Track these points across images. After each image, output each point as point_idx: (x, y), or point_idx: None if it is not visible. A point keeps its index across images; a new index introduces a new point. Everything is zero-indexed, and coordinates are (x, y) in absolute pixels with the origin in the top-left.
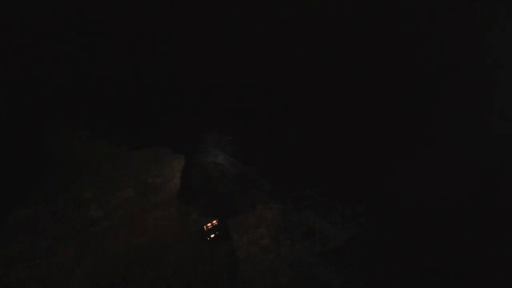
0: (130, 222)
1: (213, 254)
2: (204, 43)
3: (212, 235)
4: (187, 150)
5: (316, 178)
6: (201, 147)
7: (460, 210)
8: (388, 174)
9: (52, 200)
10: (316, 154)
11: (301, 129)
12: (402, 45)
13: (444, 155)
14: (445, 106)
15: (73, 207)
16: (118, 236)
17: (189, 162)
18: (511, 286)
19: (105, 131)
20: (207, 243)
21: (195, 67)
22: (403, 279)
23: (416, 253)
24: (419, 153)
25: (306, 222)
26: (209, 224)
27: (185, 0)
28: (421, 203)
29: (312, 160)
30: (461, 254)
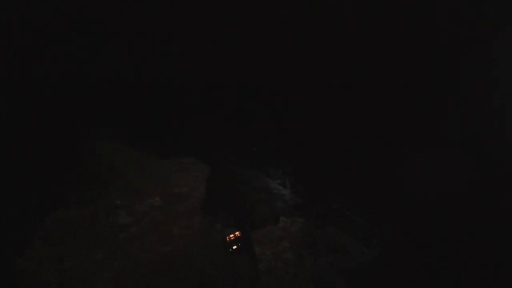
0: (156, 230)
1: (236, 266)
2: (232, 47)
3: (235, 247)
4: (212, 161)
5: (341, 192)
6: (226, 158)
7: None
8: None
9: (85, 205)
10: (342, 167)
11: (328, 141)
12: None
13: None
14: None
15: (104, 213)
16: (144, 243)
17: (214, 172)
18: None
19: (136, 141)
20: (229, 254)
21: (223, 79)
22: None
23: (443, 278)
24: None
25: (330, 237)
26: (231, 235)
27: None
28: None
29: (337, 173)
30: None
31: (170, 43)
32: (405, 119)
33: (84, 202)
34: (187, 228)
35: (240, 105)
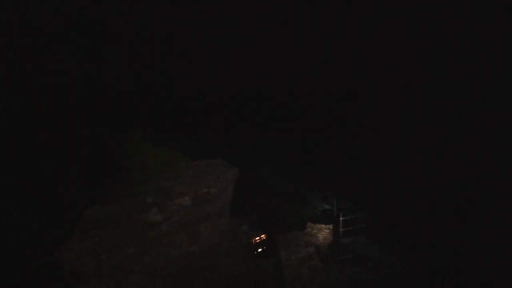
0: (185, 229)
1: (260, 269)
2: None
3: (260, 250)
4: (240, 163)
5: (372, 201)
6: (254, 161)
7: None
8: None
9: (119, 202)
10: (374, 175)
11: (357, 147)
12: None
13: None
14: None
15: (136, 210)
16: (173, 241)
17: (242, 174)
18: None
19: (167, 141)
20: (255, 257)
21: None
22: None
23: None
24: None
25: (358, 246)
26: (257, 238)
27: None
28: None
29: (367, 181)
30: None
31: (207, 49)
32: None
33: (119, 199)
34: (215, 228)
35: (276, 114)
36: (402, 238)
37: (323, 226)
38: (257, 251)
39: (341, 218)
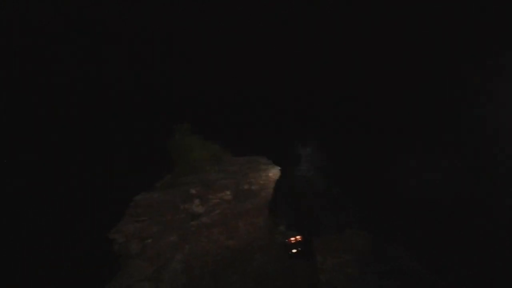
0: (224, 222)
1: (295, 270)
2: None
3: (294, 250)
4: (283, 163)
5: (412, 211)
6: (296, 161)
7: None
8: None
9: (166, 192)
10: (419, 179)
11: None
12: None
13: None
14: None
15: (180, 200)
16: (212, 233)
17: (283, 174)
18: None
19: (215, 135)
20: (289, 257)
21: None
22: None
23: None
24: None
25: (397, 258)
26: (292, 238)
27: None
28: None
29: (412, 185)
30: None
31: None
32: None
33: (165, 189)
34: (253, 225)
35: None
36: (446, 253)
37: (364, 233)
38: (291, 251)
39: (381, 226)
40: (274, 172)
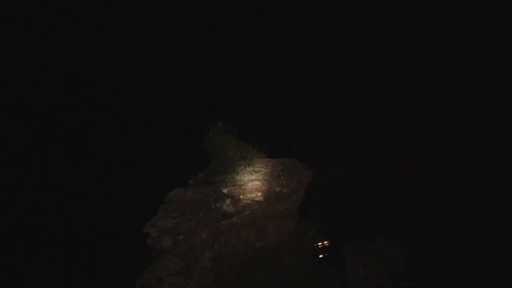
0: (254, 223)
1: (322, 276)
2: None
3: (321, 256)
4: (316, 166)
5: (456, 224)
6: (329, 165)
7: None
8: None
9: (198, 189)
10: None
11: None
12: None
13: None
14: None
15: (212, 199)
16: (241, 233)
17: (317, 178)
18: None
19: (247, 136)
20: (317, 263)
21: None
22: None
23: None
24: None
25: (436, 275)
26: (320, 243)
27: None
28: None
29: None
30: None
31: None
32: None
33: (198, 186)
34: (282, 228)
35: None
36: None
37: (397, 243)
38: (319, 256)
39: (417, 237)
40: (307, 175)
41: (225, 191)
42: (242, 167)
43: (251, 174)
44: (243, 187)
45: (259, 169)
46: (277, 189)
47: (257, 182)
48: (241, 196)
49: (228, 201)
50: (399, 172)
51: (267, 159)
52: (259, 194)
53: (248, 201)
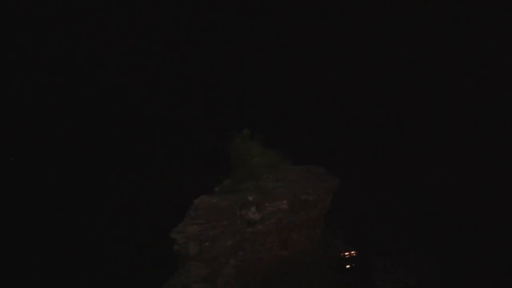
0: (279, 232)
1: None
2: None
3: (348, 266)
4: (342, 173)
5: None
6: (356, 172)
7: None
8: None
9: (224, 196)
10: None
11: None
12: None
13: None
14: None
15: (238, 206)
16: (266, 241)
17: (343, 186)
18: None
19: (275, 143)
20: (343, 273)
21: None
22: None
23: None
24: None
25: None
26: (347, 253)
27: None
28: None
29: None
30: None
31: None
32: None
33: (224, 193)
34: (308, 236)
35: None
36: None
37: (431, 254)
38: (345, 267)
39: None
40: (333, 184)
41: (250, 198)
42: (268, 174)
43: (276, 181)
44: (268, 194)
45: (285, 176)
46: (302, 196)
47: (282, 190)
48: (266, 204)
49: (253, 208)
50: (431, 183)
51: (292, 166)
52: (284, 202)
53: (273, 209)
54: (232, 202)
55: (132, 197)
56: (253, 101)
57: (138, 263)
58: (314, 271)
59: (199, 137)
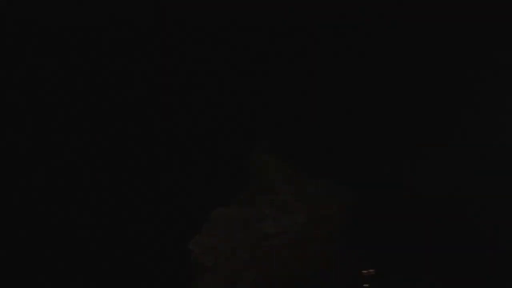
0: (295, 246)
1: None
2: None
3: (366, 285)
4: (363, 188)
5: None
6: (378, 186)
7: None
8: None
9: (240, 209)
10: None
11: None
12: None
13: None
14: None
15: (254, 219)
16: (281, 256)
17: (364, 200)
18: None
19: (294, 154)
20: None
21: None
22: None
23: None
24: None
25: None
26: (365, 271)
27: None
28: None
29: None
30: None
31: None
32: None
33: (240, 206)
34: (324, 252)
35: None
36: None
37: (452, 277)
38: (363, 286)
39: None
40: (354, 198)
41: (266, 211)
42: (285, 186)
43: (294, 194)
44: (285, 208)
45: (303, 189)
46: (322, 211)
47: (300, 203)
48: (282, 217)
49: (269, 222)
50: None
51: (310, 179)
52: (301, 216)
53: (289, 223)
54: (248, 215)
55: (148, 209)
56: (272, 112)
57: (154, 274)
58: None
59: (217, 148)
